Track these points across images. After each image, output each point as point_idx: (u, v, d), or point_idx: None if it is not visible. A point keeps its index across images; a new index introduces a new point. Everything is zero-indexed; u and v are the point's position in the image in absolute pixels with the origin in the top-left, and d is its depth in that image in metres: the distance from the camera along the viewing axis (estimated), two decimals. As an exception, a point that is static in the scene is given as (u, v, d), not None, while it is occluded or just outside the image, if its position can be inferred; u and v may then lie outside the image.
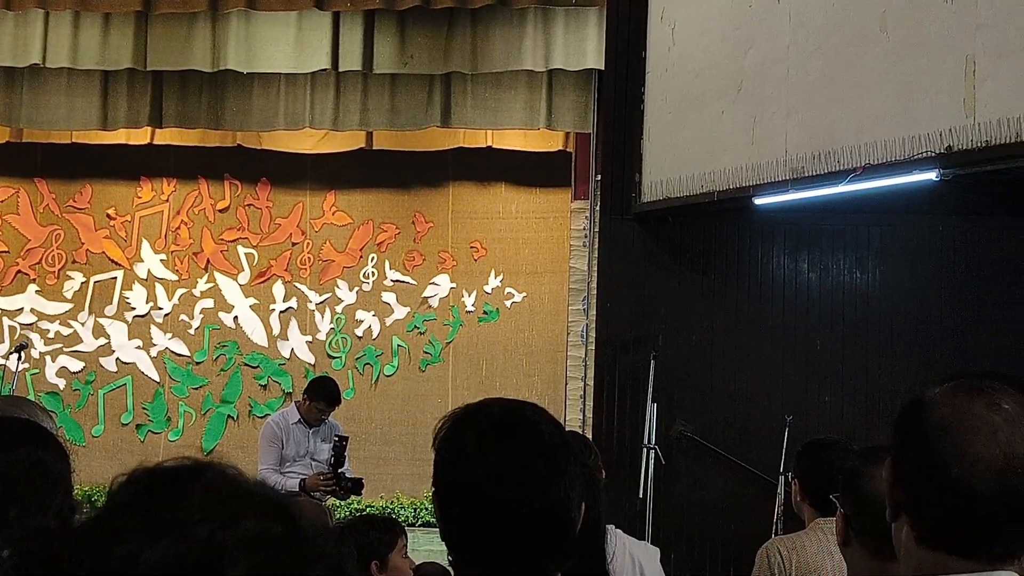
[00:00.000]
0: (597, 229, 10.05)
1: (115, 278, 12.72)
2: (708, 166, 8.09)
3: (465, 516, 1.90)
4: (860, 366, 8.48)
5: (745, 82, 7.93)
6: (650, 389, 8.38)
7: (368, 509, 11.11)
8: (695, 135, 8.27)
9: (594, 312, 10.03)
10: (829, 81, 7.32)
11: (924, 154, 6.58)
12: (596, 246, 10.16)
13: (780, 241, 8.71)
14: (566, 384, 11.54)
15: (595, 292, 10.02)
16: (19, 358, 10.82)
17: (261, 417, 11.55)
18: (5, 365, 12.07)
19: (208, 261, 12.68)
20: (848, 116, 7.16)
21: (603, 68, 9.89)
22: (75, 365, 12.63)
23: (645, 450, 8.29)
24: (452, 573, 2.04)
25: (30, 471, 2.35)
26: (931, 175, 6.60)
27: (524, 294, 12.36)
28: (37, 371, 12.54)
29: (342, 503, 9.79)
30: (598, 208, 9.97)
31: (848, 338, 8.53)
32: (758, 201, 7.87)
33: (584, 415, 10.59)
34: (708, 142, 8.15)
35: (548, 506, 1.88)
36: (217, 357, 12.58)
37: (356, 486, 8.20)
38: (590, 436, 9.28)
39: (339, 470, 8.13)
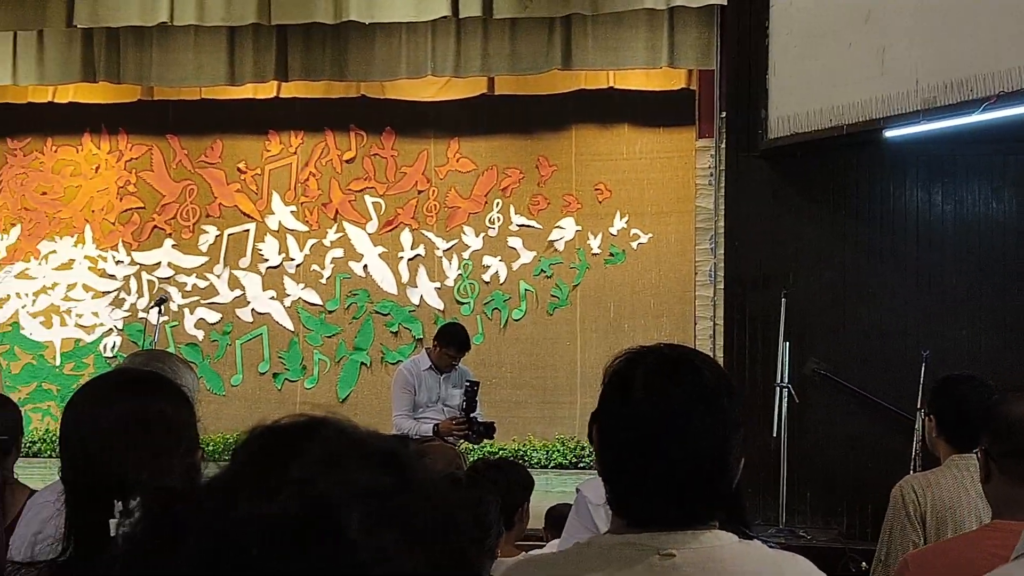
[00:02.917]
0: (723, 167, 9.93)
1: (248, 230, 12.95)
2: (836, 99, 7.94)
3: (621, 450, 1.95)
4: (997, 298, 8.29)
5: (872, 11, 7.75)
6: (781, 327, 8.31)
7: (500, 452, 11.22)
8: (822, 68, 8.12)
9: (722, 251, 9.94)
10: (960, 6, 7.12)
11: (1062, 79, 6.39)
12: (722, 184, 10.04)
13: (912, 174, 8.52)
14: (695, 324, 11.49)
15: (722, 231, 9.93)
16: (159, 312, 11.13)
17: (393, 364, 11.71)
18: (146, 319, 12.42)
19: (337, 211, 12.84)
20: (980, 43, 6.96)
21: (725, 3, 9.75)
22: (212, 317, 12.92)
23: (778, 389, 8.23)
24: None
25: (152, 422, 2.31)
26: (1069, 100, 6.42)
27: (650, 235, 12.29)
28: (176, 324, 12.84)
29: (475, 447, 9.92)
30: (724, 146, 9.84)
31: (984, 270, 8.34)
32: (888, 134, 7.72)
33: (714, 354, 10.52)
34: (835, 74, 7.99)
35: (702, 449, 1.90)
36: (348, 306, 12.76)
37: (488, 430, 8.30)
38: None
39: (471, 415, 8.23)
